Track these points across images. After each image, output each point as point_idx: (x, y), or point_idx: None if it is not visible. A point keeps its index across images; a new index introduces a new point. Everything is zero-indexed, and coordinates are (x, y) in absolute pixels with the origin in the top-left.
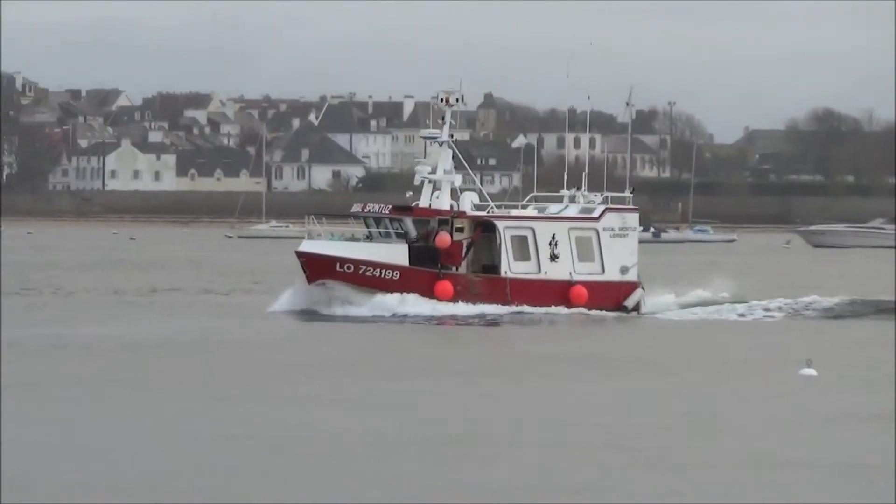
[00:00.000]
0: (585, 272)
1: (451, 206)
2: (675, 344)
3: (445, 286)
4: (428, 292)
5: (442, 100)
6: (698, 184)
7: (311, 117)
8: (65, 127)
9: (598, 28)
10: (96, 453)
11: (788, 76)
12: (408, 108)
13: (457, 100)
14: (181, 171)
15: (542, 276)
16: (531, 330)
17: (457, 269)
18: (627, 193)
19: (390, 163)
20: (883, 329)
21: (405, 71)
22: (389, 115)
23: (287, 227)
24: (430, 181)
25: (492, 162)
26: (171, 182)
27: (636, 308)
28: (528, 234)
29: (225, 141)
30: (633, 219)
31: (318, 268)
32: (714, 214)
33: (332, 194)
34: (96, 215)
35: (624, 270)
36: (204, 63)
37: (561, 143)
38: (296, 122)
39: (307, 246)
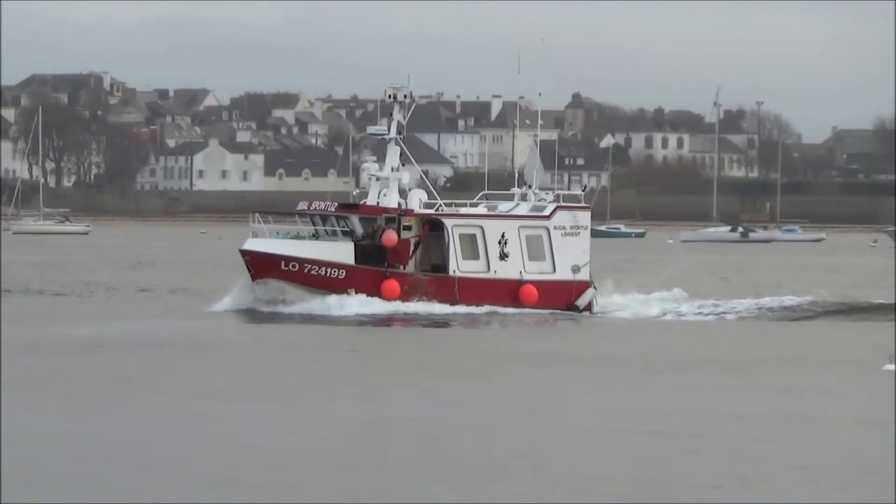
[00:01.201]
0: (536, 271)
1: (399, 204)
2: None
3: (392, 285)
4: (374, 291)
5: (389, 96)
6: (786, 183)
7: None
8: (153, 127)
9: (687, 26)
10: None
11: (877, 75)
12: (496, 107)
13: (405, 96)
14: (269, 170)
15: (491, 275)
16: (478, 330)
17: (404, 268)
18: (579, 192)
19: (478, 162)
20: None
21: (493, 70)
22: (477, 114)
23: None
24: (377, 179)
25: (580, 161)
26: (258, 182)
27: (588, 308)
28: (477, 232)
29: (313, 140)
30: (584, 217)
31: (262, 266)
32: (802, 214)
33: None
34: (184, 215)
35: (575, 269)
36: (292, 63)
37: (648, 143)
38: (383, 122)
39: (251, 244)
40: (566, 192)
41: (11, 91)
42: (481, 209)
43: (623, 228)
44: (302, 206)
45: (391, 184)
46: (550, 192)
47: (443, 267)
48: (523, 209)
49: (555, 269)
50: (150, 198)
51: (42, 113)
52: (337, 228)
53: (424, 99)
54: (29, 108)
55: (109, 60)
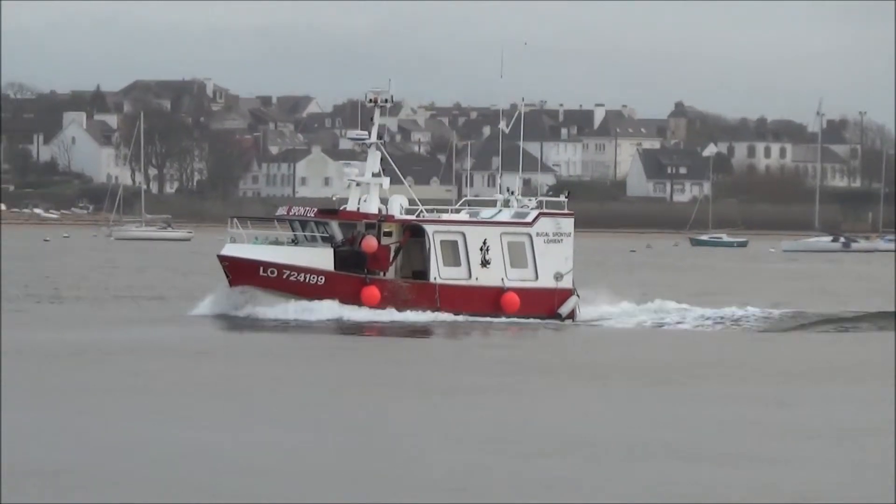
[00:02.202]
0: (518, 279)
1: (380, 210)
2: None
3: (372, 292)
4: (354, 298)
5: (370, 100)
6: (889, 193)
7: (502, 125)
8: (255, 133)
9: (791, 35)
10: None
11: None
12: (598, 116)
13: (385, 101)
14: None
15: (472, 282)
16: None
17: (384, 275)
18: (562, 198)
19: (581, 171)
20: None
21: (596, 79)
22: (580, 123)
23: None
24: (357, 184)
25: (682, 171)
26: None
27: (571, 316)
28: (459, 238)
29: (415, 148)
30: (567, 224)
31: (240, 272)
32: None
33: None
34: None
35: (558, 277)
36: (395, 70)
37: (751, 152)
38: (486, 130)
39: (230, 250)
40: (549, 199)
41: (114, 97)
42: (463, 215)
43: (725, 238)
44: (281, 211)
45: (372, 189)
46: (533, 199)
47: (423, 273)
48: (505, 216)
49: (537, 277)
50: (252, 204)
51: (145, 119)
52: (316, 234)
53: (528, 107)
54: (132, 115)
55: (212, 67)
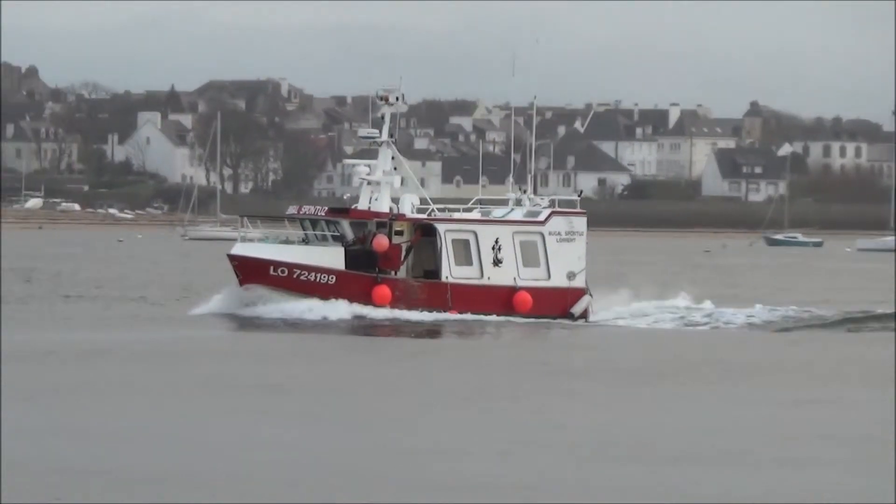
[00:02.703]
0: (530, 278)
1: (391, 209)
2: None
3: (383, 291)
4: (365, 297)
5: (381, 98)
6: None
7: (577, 125)
8: (330, 133)
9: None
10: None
11: None
12: (673, 115)
13: (396, 98)
14: (446, 177)
15: (484, 281)
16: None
17: (395, 274)
18: (575, 196)
19: (656, 170)
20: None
21: (671, 78)
22: (655, 122)
23: None
24: (368, 183)
25: (757, 170)
26: (436, 188)
27: (583, 315)
28: (471, 237)
29: (490, 148)
30: (580, 223)
31: (250, 271)
32: None
33: (598, 202)
34: None
35: (571, 276)
36: (470, 70)
37: (826, 152)
38: (561, 130)
39: (240, 249)
40: (562, 198)
41: (189, 97)
42: (475, 214)
43: (800, 237)
44: (292, 210)
45: (383, 188)
46: (545, 198)
47: (435, 273)
48: (518, 214)
49: (550, 276)
50: (327, 204)
51: (220, 119)
52: (327, 233)
53: (602, 106)
54: (206, 115)
55: (287, 67)
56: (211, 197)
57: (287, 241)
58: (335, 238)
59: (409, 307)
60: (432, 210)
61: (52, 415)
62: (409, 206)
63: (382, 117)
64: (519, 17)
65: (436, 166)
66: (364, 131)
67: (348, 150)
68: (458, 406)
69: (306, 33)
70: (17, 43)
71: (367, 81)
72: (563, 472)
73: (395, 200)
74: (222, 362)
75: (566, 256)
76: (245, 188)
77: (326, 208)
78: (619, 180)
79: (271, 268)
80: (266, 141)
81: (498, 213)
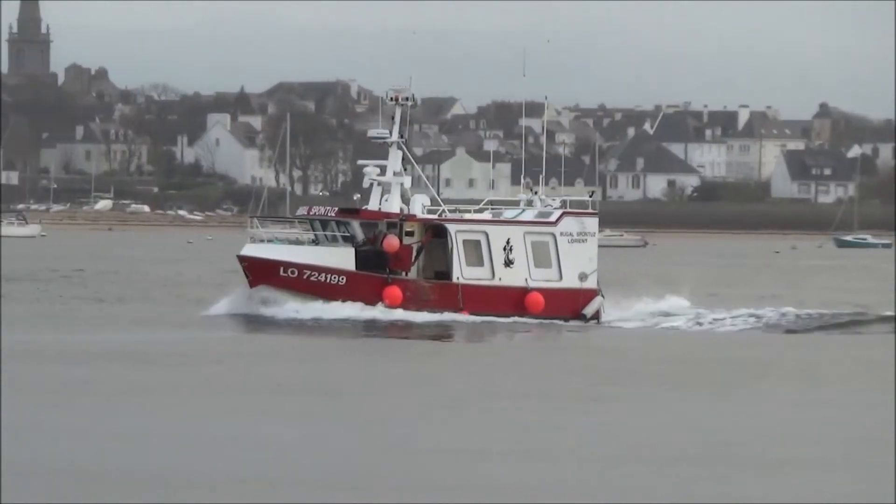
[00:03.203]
0: (542, 279)
1: (401, 209)
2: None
3: (394, 292)
4: (375, 298)
5: (391, 98)
6: None
7: (646, 126)
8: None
9: None
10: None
11: None
12: (742, 117)
13: (406, 98)
14: (515, 179)
15: (496, 282)
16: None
17: (406, 275)
18: (587, 197)
19: (725, 172)
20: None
21: (740, 79)
22: (724, 124)
23: (621, 235)
24: (378, 183)
25: (826, 172)
26: (505, 190)
27: (595, 317)
28: (482, 238)
29: (560, 149)
30: (592, 223)
31: (260, 272)
32: None
33: (667, 203)
34: None
35: (583, 277)
36: (539, 71)
37: None
38: (630, 131)
39: (249, 250)
40: (573, 199)
41: (258, 99)
42: (486, 215)
43: (870, 239)
44: (302, 211)
45: (393, 188)
46: (556, 199)
47: (446, 274)
48: (529, 215)
49: (561, 277)
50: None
51: (289, 121)
52: (337, 234)
53: (672, 108)
54: (276, 116)
55: (357, 68)
56: (280, 198)
57: (297, 242)
58: (345, 239)
59: (420, 308)
60: (443, 211)
61: (44, 414)
62: (419, 206)
63: (392, 117)
64: (588, 18)
65: (505, 168)
66: (374, 131)
67: (418, 151)
68: (490, 408)
69: (376, 35)
70: (86, 44)
71: (437, 83)
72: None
73: (406, 201)
74: (227, 364)
75: (578, 257)
76: (315, 190)
77: (337, 209)
78: (689, 182)
79: (281, 269)
80: (335, 142)
81: (509, 213)
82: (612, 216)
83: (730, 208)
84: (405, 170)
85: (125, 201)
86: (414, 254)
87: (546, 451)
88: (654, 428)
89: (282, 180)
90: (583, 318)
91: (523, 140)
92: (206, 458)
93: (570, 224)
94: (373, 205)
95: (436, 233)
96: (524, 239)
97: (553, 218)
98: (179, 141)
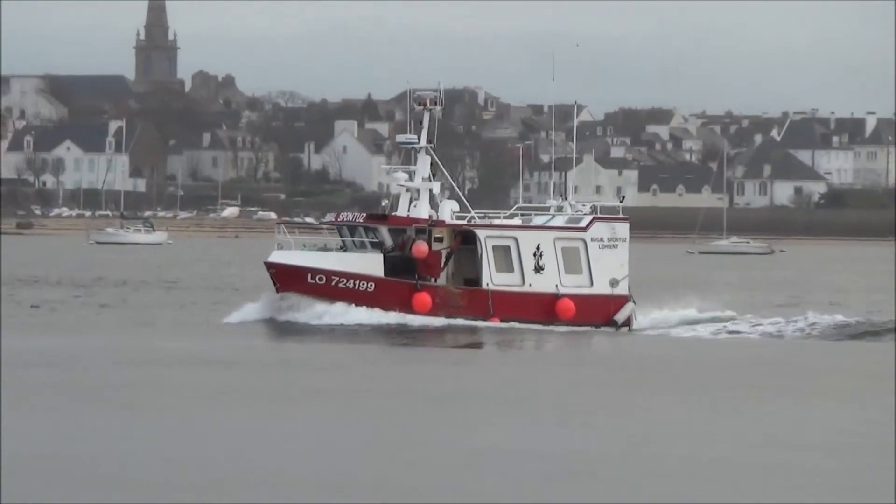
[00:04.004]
0: (572, 285)
1: (430, 215)
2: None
3: (423, 298)
4: (405, 305)
5: (419, 103)
6: None
7: (774, 133)
8: (527, 142)
9: None
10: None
11: None
12: (870, 124)
13: (435, 103)
14: (643, 186)
15: (526, 288)
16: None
17: (435, 281)
18: (617, 203)
19: (852, 179)
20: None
21: (867, 87)
22: (852, 131)
23: (748, 242)
24: (407, 189)
25: None
26: (632, 197)
27: (627, 323)
28: (511, 243)
29: (687, 156)
30: (622, 229)
31: (288, 279)
32: None
33: (794, 210)
34: None
35: (613, 283)
36: (666, 78)
37: None
38: (758, 138)
39: (277, 256)
40: (604, 204)
41: (386, 105)
42: (516, 220)
43: None
44: (329, 217)
45: (422, 194)
46: (587, 204)
47: (476, 280)
48: (559, 221)
49: (592, 283)
50: None
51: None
52: (365, 240)
53: (799, 115)
54: (403, 123)
55: (484, 75)
56: None
57: (325, 249)
58: (374, 245)
59: (450, 315)
60: (472, 216)
61: (50, 417)
62: (448, 212)
63: (420, 122)
64: (716, 26)
65: (632, 175)
66: (402, 137)
67: (545, 158)
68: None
69: (503, 41)
70: (213, 52)
71: (565, 90)
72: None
73: (435, 207)
74: (247, 371)
75: (609, 263)
76: (442, 197)
77: (364, 214)
78: (816, 189)
79: (309, 275)
80: (462, 149)
81: (539, 219)
82: (739, 223)
83: (857, 215)
84: (434, 175)
85: (252, 208)
86: (443, 260)
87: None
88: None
89: None
90: (614, 324)
91: (710, 147)
92: (238, 458)
93: (600, 229)
94: (401, 211)
95: (465, 239)
96: (554, 244)
97: (583, 223)
98: (306, 148)
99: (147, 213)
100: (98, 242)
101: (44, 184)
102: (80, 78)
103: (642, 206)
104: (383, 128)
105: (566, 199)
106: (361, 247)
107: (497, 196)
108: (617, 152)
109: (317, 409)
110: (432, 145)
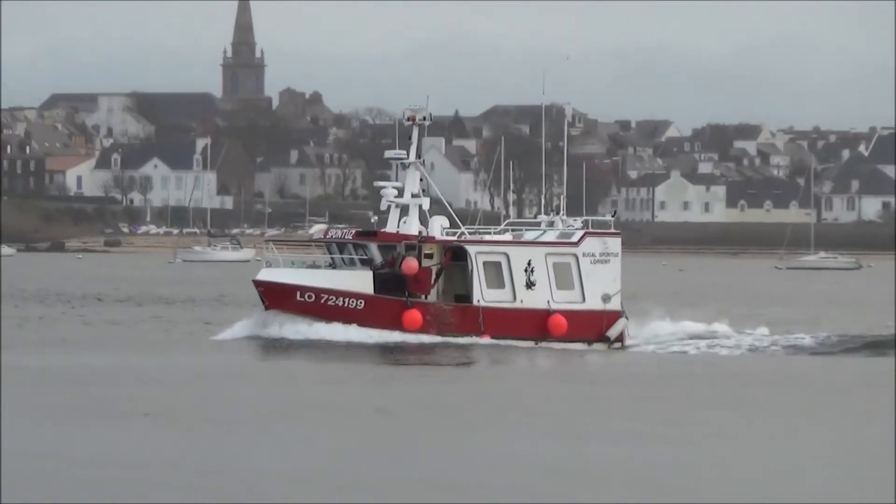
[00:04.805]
0: (564, 300)
1: (420, 231)
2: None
3: (414, 315)
4: (395, 323)
5: (408, 119)
6: None
7: (861, 148)
8: (614, 158)
9: None
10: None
11: None
12: None
13: (424, 118)
14: (731, 202)
15: (517, 304)
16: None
17: (426, 298)
18: (609, 217)
19: None
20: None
21: None
22: None
23: (836, 258)
24: (397, 205)
25: None
26: (720, 213)
27: (619, 339)
28: (502, 259)
29: (774, 172)
30: (614, 244)
31: (277, 297)
32: None
33: (882, 225)
34: (645, 247)
35: (606, 299)
36: (753, 93)
37: None
38: (845, 153)
39: (265, 274)
40: (595, 219)
41: (473, 122)
42: (506, 236)
43: None
44: (318, 234)
45: (411, 210)
46: (578, 219)
47: (466, 296)
48: (550, 236)
49: (584, 299)
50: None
51: (504, 144)
52: (355, 257)
53: (886, 130)
54: (491, 140)
55: (571, 91)
56: (495, 222)
57: (314, 266)
58: (363, 262)
59: (441, 332)
60: (462, 232)
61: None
62: (438, 228)
63: (409, 138)
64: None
65: (720, 190)
66: (391, 152)
67: (632, 174)
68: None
69: (591, 57)
70: (301, 69)
71: (652, 105)
72: None
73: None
74: (237, 386)
75: (601, 278)
76: (529, 213)
77: (354, 231)
78: None
79: (298, 293)
80: (550, 166)
81: (530, 234)
82: (827, 239)
83: None
84: (424, 191)
85: (340, 225)
86: (433, 276)
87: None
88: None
89: (496, 204)
90: (607, 340)
91: (798, 162)
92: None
93: (592, 244)
94: (391, 227)
95: (455, 255)
96: (546, 260)
97: (575, 238)
98: (394, 165)
99: (234, 231)
100: (185, 261)
101: (131, 201)
102: (168, 95)
103: (730, 222)
104: (471, 144)
105: (558, 213)
106: (351, 264)
107: (585, 213)
108: (705, 168)
109: (303, 426)
110: (422, 160)
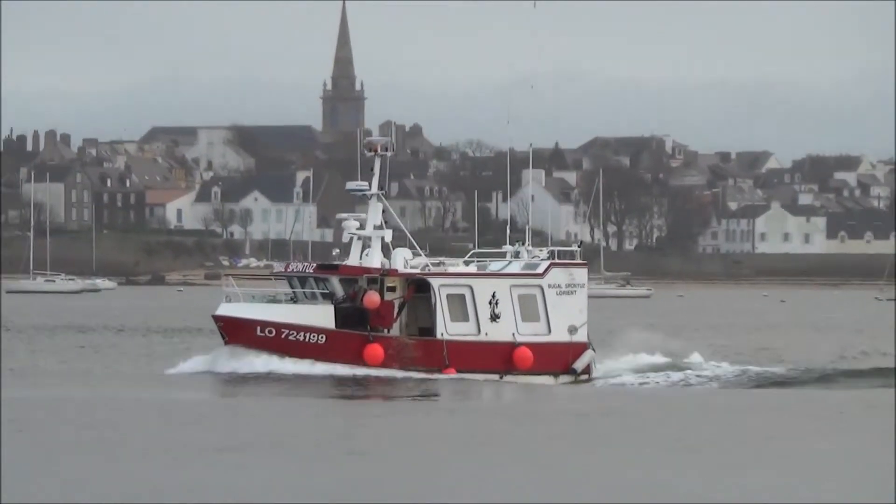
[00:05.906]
0: (530, 333)
1: (382, 264)
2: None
3: (375, 350)
4: (356, 357)
5: (370, 149)
6: None
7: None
8: (714, 189)
9: None
10: None
11: None
12: None
13: (385, 148)
14: (831, 233)
15: (482, 337)
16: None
17: (388, 332)
18: (575, 248)
19: None
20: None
21: None
22: None
23: None
24: (359, 238)
25: None
26: (820, 244)
27: (586, 371)
28: (466, 292)
29: (875, 203)
30: (580, 274)
31: (236, 332)
32: None
33: None
34: (746, 278)
35: (572, 330)
36: (854, 124)
37: None
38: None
39: (225, 309)
40: (561, 249)
41: (573, 154)
42: (471, 268)
43: None
44: (279, 268)
45: (373, 242)
46: (543, 250)
47: (430, 330)
48: (515, 267)
49: (550, 331)
50: (711, 260)
51: (604, 175)
52: (316, 291)
53: None
54: (590, 171)
55: (672, 123)
56: (595, 254)
57: (274, 300)
58: (324, 296)
59: (403, 366)
60: (426, 265)
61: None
62: (401, 260)
63: (371, 169)
64: None
65: (820, 221)
66: (353, 184)
67: (732, 205)
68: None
69: (691, 89)
70: (401, 102)
71: (752, 137)
72: None
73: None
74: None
75: (567, 310)
76: (629, 245)
77: (315, 265)
78: None
79: (258, 328)
80: (650, 197)
81: (495, 266)
82: None
83: None
84: (385, 223)
85: (439, 258)
86: (396, 310)
87: None
88: None
89: (596, 235)
90: (573, 373)
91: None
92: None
93: (557, 275)
94: (352, 260)
95: (418, 288)
96: (510, 292)
97: (540, 269)
98: (494, 197)
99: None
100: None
101: (231, 234)
102: (268, 129)
103: (830, 253)
104: (571, 176)
105: (523, 244)
106: (312, 298)
107: (686, 243)
108: (805, 199)
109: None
110: (384, 192)
